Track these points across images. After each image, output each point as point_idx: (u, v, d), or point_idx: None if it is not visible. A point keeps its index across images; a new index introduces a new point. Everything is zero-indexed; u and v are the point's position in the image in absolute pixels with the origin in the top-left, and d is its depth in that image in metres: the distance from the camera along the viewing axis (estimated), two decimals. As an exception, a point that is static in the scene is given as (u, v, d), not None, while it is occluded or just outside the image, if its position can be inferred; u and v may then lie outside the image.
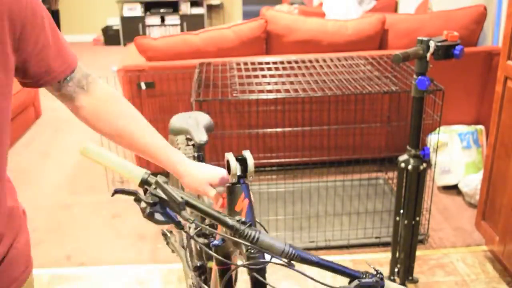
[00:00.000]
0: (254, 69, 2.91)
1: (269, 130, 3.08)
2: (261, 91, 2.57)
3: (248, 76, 2.77)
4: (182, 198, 0.90)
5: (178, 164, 1.13)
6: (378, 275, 0.92)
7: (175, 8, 7.51)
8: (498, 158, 2.28)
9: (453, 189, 3.10)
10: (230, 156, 1.02)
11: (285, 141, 3.17)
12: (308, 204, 2.95)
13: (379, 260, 2.49)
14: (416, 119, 2.00)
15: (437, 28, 3.17)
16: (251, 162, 1.02)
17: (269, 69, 2.90)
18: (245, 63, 2.99)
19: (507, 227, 2.21)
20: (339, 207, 2.92)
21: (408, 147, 2.06)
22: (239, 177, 1.02)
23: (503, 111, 2.23)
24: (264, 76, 2.78)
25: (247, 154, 1.03)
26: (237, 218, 0.92)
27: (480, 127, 3.15)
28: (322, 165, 3.19)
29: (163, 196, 0.90)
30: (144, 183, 0.93)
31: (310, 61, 3.01)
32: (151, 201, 0.89)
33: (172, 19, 7.50)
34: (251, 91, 2.55)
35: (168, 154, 1.12)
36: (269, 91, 2.59)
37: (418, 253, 2.45)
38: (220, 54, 3.11)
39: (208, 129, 1.62)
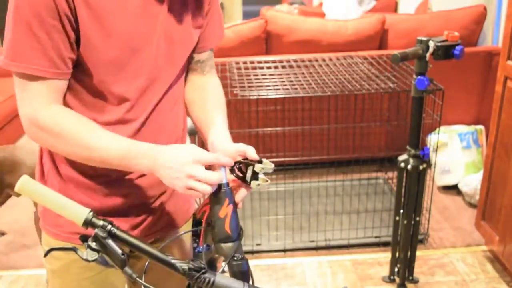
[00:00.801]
0: (254, 69, 2.91)
1: (269, 129, 3.08)
2: (261, 91, 2.57)
3: (248, 76, 2.77)
4: (123, 254, 0.87)
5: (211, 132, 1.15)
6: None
7: (175, 8, 7.50)
8: (498, 158, 2.28)
9: (453, 189, 3.10)
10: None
11: (285, 141, 3.17)
12: (308, 204, 2.95)
13: (379, 260, 2.49)
14: (416, 119, 2.00)
15: (437, 28, 3.17)
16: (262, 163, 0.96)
17: (269, 68, 2.91)
18: (245, 63, 2.99)
19: (507, 227, 2.21)
20: (339, 207, 2.92)
21: (408, 147, 2.06)
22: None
23: (503, 111, 2.23)
24: (264, 75, 2.78)
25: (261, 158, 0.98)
26: (191, 263, 0.86)
27: (480, 127, 3.15)
28: (322, 165, 3.19)
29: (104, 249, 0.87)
30: (88, 224, 0.88)
31: (310, 61, 3.01)
32: (90, 259, 0.87)
33: (172, 19, 7.50)
34: (251, 91, 2.55)
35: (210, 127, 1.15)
36: (269, 91, 2.59)
37: (418, 253, 2.45)
38: (220, 54, 3.11)
39: (191, 133, 1.61)
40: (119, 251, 0.87)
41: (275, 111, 3.07)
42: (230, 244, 0.94)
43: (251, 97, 2.51)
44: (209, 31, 1.21)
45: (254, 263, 2.49)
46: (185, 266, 0.86)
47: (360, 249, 2.58)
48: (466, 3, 3.67)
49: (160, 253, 0.88)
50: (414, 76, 1.94)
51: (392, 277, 2.33)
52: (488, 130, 2.67)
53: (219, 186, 0.95)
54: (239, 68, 2.91)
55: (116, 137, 0.99)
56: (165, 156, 0.95)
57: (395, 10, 5.51)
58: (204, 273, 0.86)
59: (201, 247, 1.00)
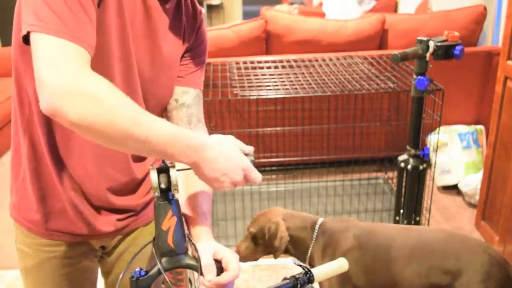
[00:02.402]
0: (254, 69, 2.91)
1: (269, 129, 3.08)
2: (261, 91, 2.57)
3: (248, 76, 2.77)
4: None
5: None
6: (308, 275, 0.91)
7: (175, 8, 7.50)
8: (498, 158, 2.28)
9: (453, 189, 3.09)
10: (151, 168, 0.89)
11: (285, 141, 3.17)
12: (308, 204, 2.95)
13: (379, 260, 2.49)
14: (416, 119, 2.00)
15: (437, 28, 3.17)
16: (173, 174, 0.89)
17: (269, 68, 2.91)
18: (245, 63, 2.99)
19: (507, 227, 2.21)
20: (339, 207, 2.92)
21: (408, 147, 2.06)
22: (165, 191, 0.89)
23: (503, 111, 2.23)
24: (264, 75, 2.78)
25: (172, 166, 0.91)
26: None
27: (480, 127, 3.15)
28: (322, 165, 3.19)
29: None
30: None
31: (310, 61, 3.01)
32: None
33: (172, 19, 7.49)
34: (251, 91, 2.55)
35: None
36: (269, 91, 2.59)
37: (418, 253, 2.45)
38: (220, 54, 3.11)
39: None
40: None
41: (275, 111, 3.07)
42: (174, 258, 0.89)
43: (251, 97, 2.51)
44: (195, 63, 1.15)
45: (254, 263, 2.49)
46: None
47: (360, 249, 2.58)
48: (466, 3, 3.67)
49: None
50: (414, 76, 1.94)
51: (392, 277, 2.33)
52: (488, 130, 2.67)
53: (163, 195, 0.89)
54: (239, 68, 2.91)
55: (163, 120, 0.88)
56: (213, 152, 0.90)
57: (395, 10, 5.50)
58: None
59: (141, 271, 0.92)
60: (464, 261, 1.47)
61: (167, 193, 0.89)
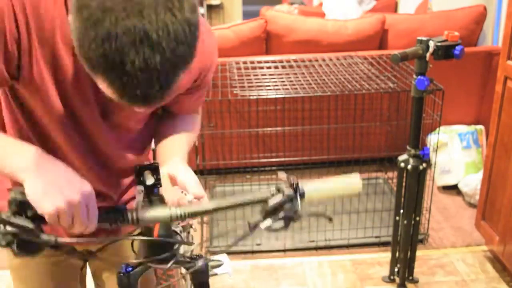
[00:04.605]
0: (254, 69, 2.91)
1: (269, 129, 3.08)
2: (261, 91, 2.57)
3: (248, 76, 2.77)
4: (32, 221, 0.78)
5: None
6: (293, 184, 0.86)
7: (175, 8, 7.48)
8: (498, 158, 2.28)
9: (453, 189, 3.09)
10: (135, 167, 0.90)
11: (285, 141, 3.17)
12: (308, 204, 2.95)
13: (379, 260, 2.49)
14: (416, 119, 1.99)
15: (437, 28, 3.17)
16: (161, 171, 0.90)
17: (269, 68, 2.91)
18: (245, 63, 2.99)
19: (507, 227, 2.21)
20: (339, 207, 2.92)
21: (408, 147, 2.06)
22: (151, 188, 0.89)
23: (503, 111, 2.23)
24: (264, 75, 2.78)
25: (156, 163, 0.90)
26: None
27: (480, 127, 3.15)
28: (322, 165, 3.19)
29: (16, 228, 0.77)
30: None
31: (310, 61, 3.01)
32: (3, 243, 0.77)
33: (172, 19, 7.47)
34: (251, 91, 2.55)
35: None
36: (269, 91, 2.59)
37: (418, 253, 2.45)
38: (220, 54, 3.10)
39: None
40: (26, 221, 0.77)
41: (275, 111, 3.07)
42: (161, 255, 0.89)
43: (251, 97, 2.51)
44: (189, 100, 1.15)
45: (254, 263, 2.49)
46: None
47: (360, 249, 2.58)
48: (466, 3, 3.66)
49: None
50: (414, 76, 1.94)
51: (392, 277, 2.33)
52: (488, 130, 2.67)
53: (147, 191, 0.89)
54: (239, 68, 2.91)
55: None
56: (55, 163, 0.80)
57: (395, 10, 5.50)
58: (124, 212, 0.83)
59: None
60: None
61: (152, 190, 0.90)
